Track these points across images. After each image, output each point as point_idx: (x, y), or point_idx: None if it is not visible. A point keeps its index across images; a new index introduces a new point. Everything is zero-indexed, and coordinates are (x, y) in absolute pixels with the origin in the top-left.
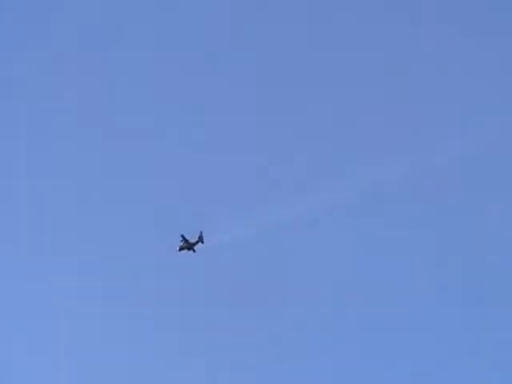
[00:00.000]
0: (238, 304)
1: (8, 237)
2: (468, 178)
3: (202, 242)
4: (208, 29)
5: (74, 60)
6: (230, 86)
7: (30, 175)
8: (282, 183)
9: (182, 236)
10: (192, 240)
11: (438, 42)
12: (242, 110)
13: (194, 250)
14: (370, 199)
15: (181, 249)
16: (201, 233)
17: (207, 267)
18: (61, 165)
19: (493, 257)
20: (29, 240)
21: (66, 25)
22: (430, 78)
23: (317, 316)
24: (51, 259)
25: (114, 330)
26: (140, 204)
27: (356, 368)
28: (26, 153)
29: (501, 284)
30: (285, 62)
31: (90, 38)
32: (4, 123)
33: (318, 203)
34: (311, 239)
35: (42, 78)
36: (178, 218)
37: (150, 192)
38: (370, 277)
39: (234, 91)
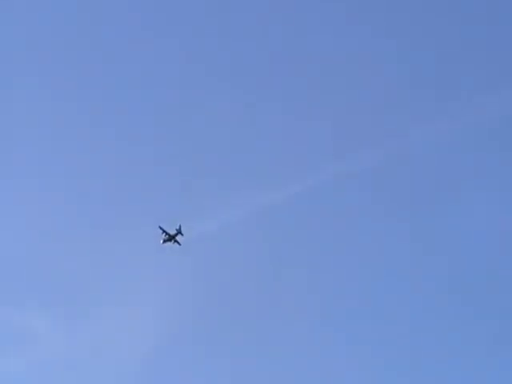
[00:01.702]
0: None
1: None
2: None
3: (182, 234)
4: None
5: None
6: None
7: None
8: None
9: (161, 228)
10: (171, 232)
11: None
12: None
13: (179, 243)
14: None
15: (164, 241)
16: (179, 225)
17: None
18: None
19: None
20: None
21: None
22: None
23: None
24: None
25: None
26: None
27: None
28: None
29: None
30: None
31: None
32: None
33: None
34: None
35: None
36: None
37: None
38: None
39: None
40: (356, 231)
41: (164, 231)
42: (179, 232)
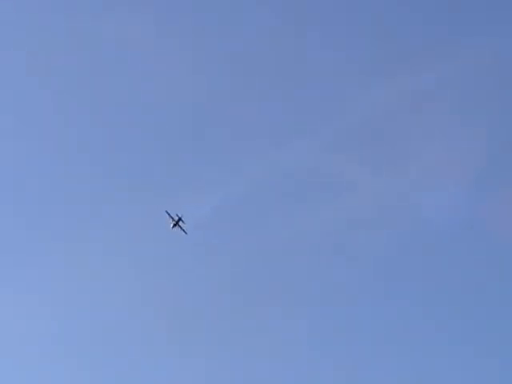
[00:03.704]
0: None
1: None
2: None
3: (184, 222)
4: None
5: None
6: None
7: None
8: None
9: (167, 212)
10: (175, 217)
11: None
12: None
13: (184, 231)
14: None
15: (173, 226)
16: (181, 214)
17: None
18: None
19: None
20: None
21: None
22: None
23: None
24: None
25: None
26: None
27: None
28: None
29: None
30: None
31: None
32: None
33: None
34: None
35: None
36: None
37: None
38: None
39: None
40: None
41: (170, 215)
42: (180, 219)
